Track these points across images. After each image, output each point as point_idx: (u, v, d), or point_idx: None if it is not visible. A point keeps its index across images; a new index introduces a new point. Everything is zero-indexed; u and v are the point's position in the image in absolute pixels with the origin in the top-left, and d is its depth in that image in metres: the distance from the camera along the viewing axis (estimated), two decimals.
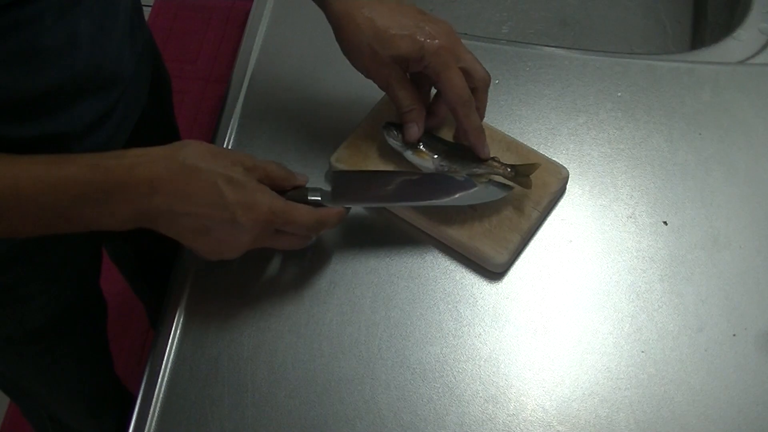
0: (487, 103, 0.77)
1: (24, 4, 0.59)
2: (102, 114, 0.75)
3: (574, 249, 0.79)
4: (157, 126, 0.96)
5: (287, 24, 0.94)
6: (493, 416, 0.70)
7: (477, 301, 0.76)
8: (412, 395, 0.71)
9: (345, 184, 0.75)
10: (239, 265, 0.75)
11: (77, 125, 0.72)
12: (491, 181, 0.77)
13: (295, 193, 0.72)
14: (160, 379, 0.72)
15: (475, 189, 0.76)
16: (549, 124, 0.87)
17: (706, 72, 0.91)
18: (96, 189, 0.63)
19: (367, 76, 0.75)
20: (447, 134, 0.81)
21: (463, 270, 0.77)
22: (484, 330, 0.74)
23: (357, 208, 0.79)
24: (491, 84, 0.76)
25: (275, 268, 0.78)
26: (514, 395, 0.71)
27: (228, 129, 0.86)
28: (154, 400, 0.71)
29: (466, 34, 0.83)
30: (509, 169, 0.77)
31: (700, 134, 0.86)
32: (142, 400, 0.71)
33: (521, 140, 0.82)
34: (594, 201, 0.82)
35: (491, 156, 0.77)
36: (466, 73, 0.73)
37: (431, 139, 0.78)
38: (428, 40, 0.71)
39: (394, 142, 0.78)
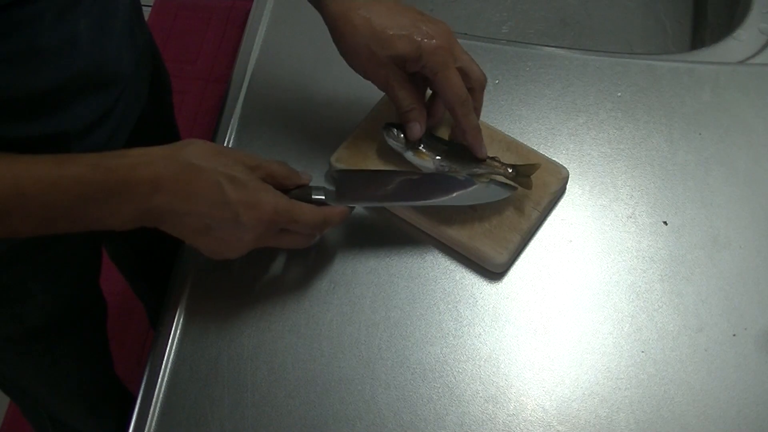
0: (488, 103, 0.77)
1: (24, 4, 0.59)
2: (102, 113, 0.75)
3: (574, 249, 0.79)
4: (157, 126, 0.96)
5: (287, 24, 0.94)
6: (493, 416, 0.70)
7: (477, 301, 0.76)
8: (412, 395, 0.71)
9: (349, 183, 0.75)
10: (239, 265, 0.75)
11: (77, 125, 0.72)
12: (494, 181, 0.77)
13: (299, 192, 0.71)
14: (160, 379, 0.72)
15: (484, 189, 0.75)
16: (549, 124, 0.87)
17: (706, 72, 0.91)
18: (98, 189, 0.63)
19: (365, 77, 0.75)
20: (443, 135, 0.80)
21: (463, 270, 0.77)
22: (484, 330, 0.74)
23: (357, 208, 0.79)
24: (491, 84, 0.76)
25: (275, 268, 0.77)
26: (514, 395, 0.71)
27: (228, 129, 0.86)
28: (154, 400, 0.71)
29: (466, 34, 0.83)
30: (510, 170, 0.77)
31: (700, 134, 0.86)
32: (142, 400, 0.71)
33: (521, 140, 0.82)
34: (594, 201, 0.82)
35: (492, 156, 0.77)
36: (463, 74, 0.73)
37: (431, 139, 0.78)
38: (425, 40, 0.71)
39: (394, 142, 0.78)
